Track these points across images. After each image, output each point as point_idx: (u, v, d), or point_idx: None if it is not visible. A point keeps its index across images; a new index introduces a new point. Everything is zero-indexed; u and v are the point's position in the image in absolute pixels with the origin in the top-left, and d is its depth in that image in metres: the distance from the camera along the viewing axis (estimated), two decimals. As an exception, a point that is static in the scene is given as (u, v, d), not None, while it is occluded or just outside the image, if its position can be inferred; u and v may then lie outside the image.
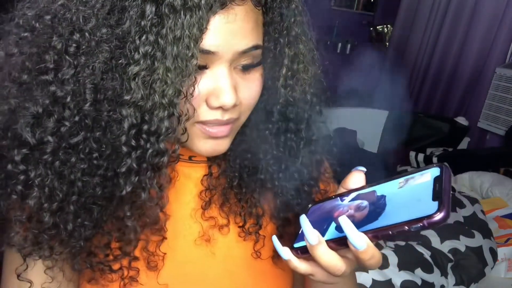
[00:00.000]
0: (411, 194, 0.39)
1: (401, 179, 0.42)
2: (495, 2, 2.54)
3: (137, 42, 0.40)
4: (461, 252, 1.47)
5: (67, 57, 0.42)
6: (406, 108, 3.09)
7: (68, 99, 0.42)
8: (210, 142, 0.50)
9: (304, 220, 0.42)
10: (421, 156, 2.37)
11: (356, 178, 0.47)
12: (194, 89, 0.44)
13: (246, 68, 0.49)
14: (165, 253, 0.54)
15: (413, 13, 3.14)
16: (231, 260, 0.59)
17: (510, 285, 1.45)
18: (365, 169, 0.47)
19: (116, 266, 0.51)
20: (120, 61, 0.41)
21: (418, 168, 0.42)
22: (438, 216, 0.34)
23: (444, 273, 1.40)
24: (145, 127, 0.42)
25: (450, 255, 1.46)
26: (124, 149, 0.43)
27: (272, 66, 0.53)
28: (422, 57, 3.03)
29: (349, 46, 3.99)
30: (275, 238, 0.44)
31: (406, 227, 0.36)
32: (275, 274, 0.61)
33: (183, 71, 0.41)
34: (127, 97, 0.41)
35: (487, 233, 1.56)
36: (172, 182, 0.51)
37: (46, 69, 0.43)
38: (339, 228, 0.41)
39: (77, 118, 0.43)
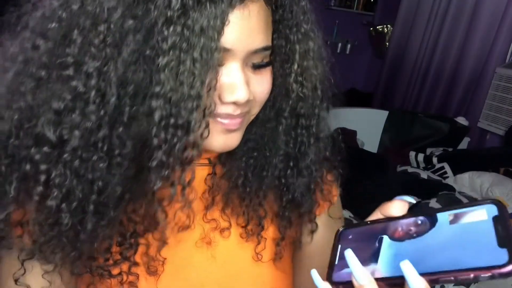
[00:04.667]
0: (468, 234, 0.36)
1: (450, 213, 0.38)
2: (495, 2, 2.54)
3: (165, 32, 0.40)
4: (461, 252, 1.46)
5: (92, 49, 0.41)
6: (406, 108, 3.10)
7: (93, 93, 0.41)
8: (222, 137, 0.50)
9: (351, 256, 0.39)
10: (421, 156, 2.36)
11: (399, 206, 0.42)
12: (216, 82, 0.44)
13: (257, 67, 0.49)
14: (165, 258, 0.53)
15: (413, 13, 3.13)
16: (232, 263, 0.58)
17: (510, 285, 1.45)
18: (414, 200, 0.44)
19: (115, 271, 0.51)
20: (148, 52, 0.40)
21: (469, 203, 0.38)
22: (510, 268, 0.31)
23: (444, 273, 1.39)
24: (173, 120, 0.41)
25: None
26: (155, 141, 0.41)
27: (282, 63, 0.53)
28: (422, 57, 3.03)
29: (349, 46, 3.99)
30: (314, 272, 0.41)
31: (472, 275, 0.33)
32: (276, 277, 0.61)
33: (208, 63, 0.41)
34: (157, 89, 0.40)
35: (487, 233, 1.56)
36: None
37: (66, 63, 0.42)
38: (390, 266, 0.38)
39: (102, 113, 0.42)
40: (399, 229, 0.40)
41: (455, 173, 2.14)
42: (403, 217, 0.41)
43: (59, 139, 0.42)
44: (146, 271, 0.53)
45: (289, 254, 0.65)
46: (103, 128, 0.42)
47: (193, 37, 0.40)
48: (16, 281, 0.50)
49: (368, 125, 2.72)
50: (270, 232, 0.61)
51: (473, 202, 0.38)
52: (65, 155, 0.43)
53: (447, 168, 2.20)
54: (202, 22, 0.40)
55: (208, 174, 0.58)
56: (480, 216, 0.36)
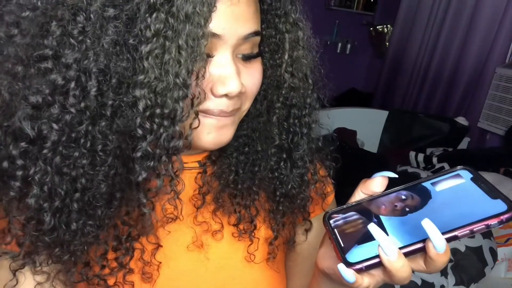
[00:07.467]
0: (456, 196, 0.39)
1: (431, 182, 0.42)
2: (495, 2, 2.54)
3: (148, 20, 0.39)
4: (461, 252, 1.47)
5: (71, 40, 0.40)
6: (406, 108, 3.09)
7: (72, 85, 0.40)
8: (213, 134, 0.49)
9: (377, 231, 0.39)
10: (421, 156, 2.36)
11: (380, 183, 0.44)
12: (205, 70, 0.43)
13: (247, 58, 0.49)
14: (160, 262, 0.53)
15: (413, 13, 3.13)
16: (225, 266, 0.58)
17: (510, 285, 1.45)
18: (395, 175, 0.44)
19: (111, 281, 0.50)
20: (130, 41, 0.39)
21: (440, 172, 0.42)
22: None
23: (444, 273, 1.40)
24: (158, 110, 0.40)
25: (450, 255, 1.45)
26: (140, 132, 0.40)
27: (272, 53, 0.53)
28: (422, 57, 3.02)
29: (349, 46, 3.98)
30: (341, 266, 0.39)
31: (484, 225, 0.36)
32: (270, 277, 0.60)
33: (194, 51, 0.40)
34: (141, 77, 0.39)
35: (487, 233, 1.56)
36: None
37: (44, 56, 0.40)
38: (402, 237, 0.39)
39: (82, 105, 0.40)
40: (393, 205, 0.42)
41: (455, 173, 2.13)
42: (388, 192, 0.43)
43: (38, 135, 0.41)
44: (141, 278, 0.52)
45: (282, 255, 0.64)
46: (85, 123, 0.41)
47: (178, 24, 0.39)
48: None
49: (368, 125, 2.72)
50: (262, 232, 0.60)
51: (443, 171, 0.42)
52: (45, 151, 0.41)
53: (447, 168, 2.19)
54: (187, 8, 0.39)
55: (199, 173, 0.57)
56: (458, 181, 0.40)
